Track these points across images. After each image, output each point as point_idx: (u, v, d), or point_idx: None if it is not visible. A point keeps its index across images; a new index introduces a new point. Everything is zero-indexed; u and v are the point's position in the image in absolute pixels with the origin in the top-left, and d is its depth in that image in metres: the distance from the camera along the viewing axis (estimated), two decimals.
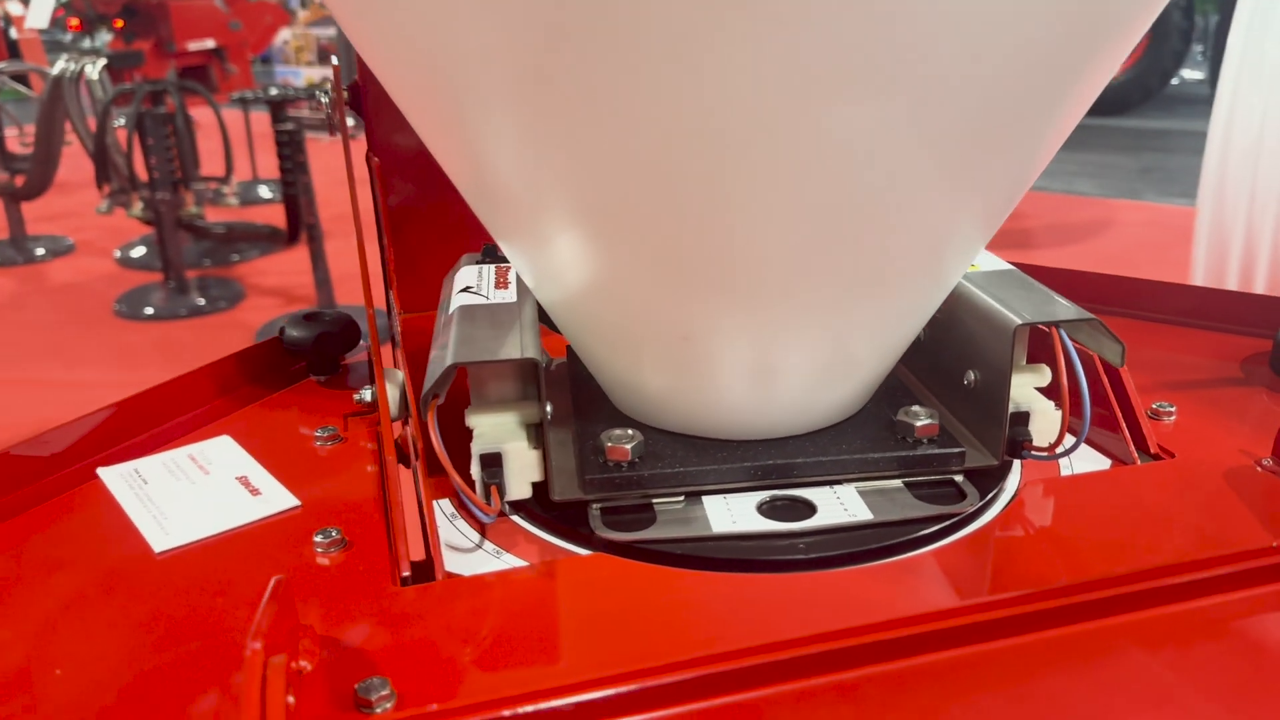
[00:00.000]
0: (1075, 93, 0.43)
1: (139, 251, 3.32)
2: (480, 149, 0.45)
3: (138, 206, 2.88)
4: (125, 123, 2.80)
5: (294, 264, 3.02)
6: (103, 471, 0.57)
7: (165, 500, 0.54)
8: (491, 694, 0.38)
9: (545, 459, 0.49)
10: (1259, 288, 1.81)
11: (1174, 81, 6.11)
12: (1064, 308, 0.51)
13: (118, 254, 3.36)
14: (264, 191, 3.94)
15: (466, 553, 0.50)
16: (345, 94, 0.74)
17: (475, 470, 0.49)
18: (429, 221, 0.82)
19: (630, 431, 0.51)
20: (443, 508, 0.54)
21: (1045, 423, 0.52)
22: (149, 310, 2.82)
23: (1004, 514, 0.50)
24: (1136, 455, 0.55)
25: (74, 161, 3.51)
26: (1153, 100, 5.69)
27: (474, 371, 0.51)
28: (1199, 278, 1.87)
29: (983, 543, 0.48)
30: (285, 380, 0.70)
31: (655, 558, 0.47)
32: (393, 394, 0.59)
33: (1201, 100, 5.22)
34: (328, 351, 0.68)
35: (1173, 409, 0.60)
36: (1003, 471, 0.53)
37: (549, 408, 0.51)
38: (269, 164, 3.40)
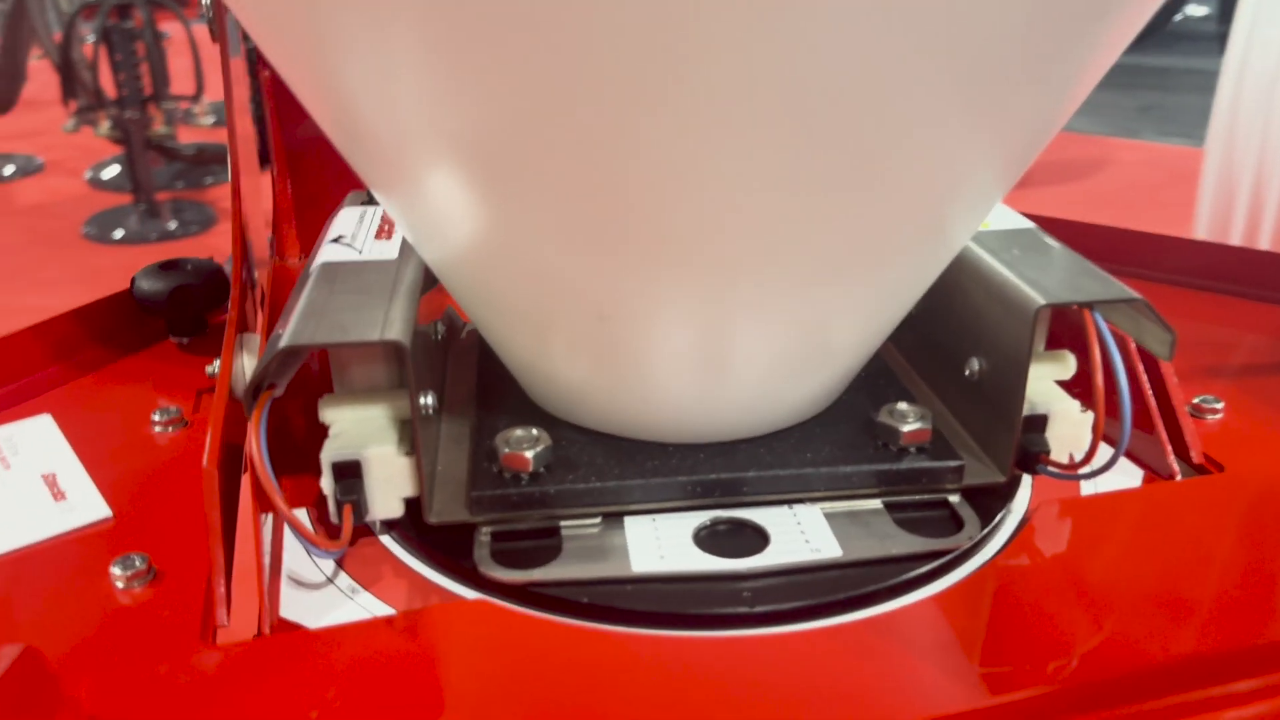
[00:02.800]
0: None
1: (111, 172, 3.14)
2: (331, 48, 0.33)
3: (105, 125, 2.72)
4: (93, 37, 2.65)
5: (270, 187, 2.86)
6: None
7: None
8: None
9: (419, 468, 0.37)
10: (1264, 237, 1.70)
11: (1176, 17, 5.91)
12: (1099, 282, 0.39)
13: (88, 174, 3.19)
14: None
15: (313, 589, 0.38)
16: None
17: (326, 483, 0.38)
18: (332, 152, 0.69)
19: (535, 432, 0.39)
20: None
21: (1067, 428, 0.41)
22: (118, 234, 2.68)
23: (1011, 549, 0.39)
24: (1176, 466, 0.44)
25: (42, 77, 3.32)
26: (1153, 36, 5.50)
27: (334, 351, 0.39)
28: (1203, 223, 1.77)
29: (983, 593, 0.37)
30: (140, 342, 0.57)
31: (560, 604, 0.36)
32: (249, 367, 0.47)
33: (1204, 37, 5.04)
34: (188, 308, 0.56)
35: (1219, 405, 0.49)
36: (1010, 489, 0.42)
37: (430, 399, 0.39)
38: None
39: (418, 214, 0.38)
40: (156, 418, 0.48)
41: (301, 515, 0.42)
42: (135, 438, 0.48)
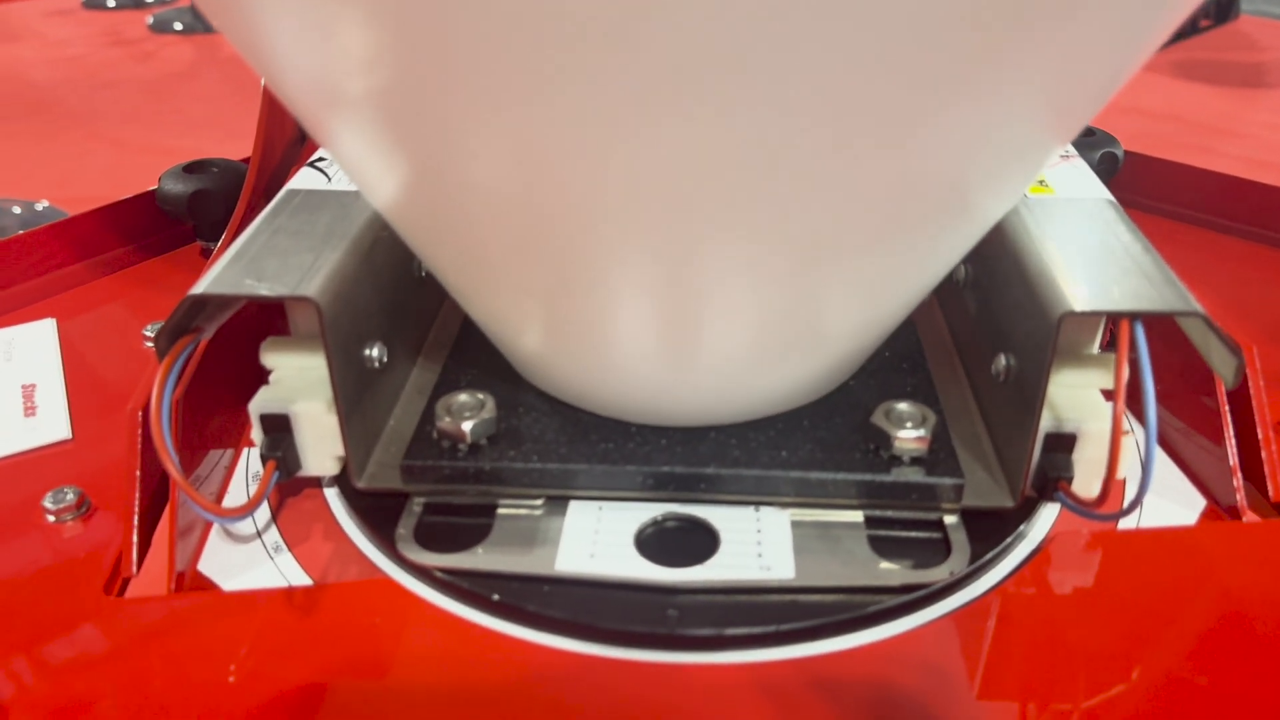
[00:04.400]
0: None
1: None
2: None
3: None
4: None
5: None
6: None
7: None
8: None
9: (342, 428, 0.35)
10: None
11: None
12: (1154, 287, 0.32)
13: None
14: None
15: (240, 543, 0.36)
16: None
17: (256, 434, 0.35)
18: None
19: (481, 397, 0.36)
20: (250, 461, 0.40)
21: (1099, 451, 0.34)
22: None
23: (1007, 586, 0.33)
24: (1245, 504, 0.37)
25: None
26: None
27: None
28: None
29: (955, 638, 0.32)
30: (168, 244, 0.56)
31: (471, 596, 0.33)
32: None
33: None
34: (210, 213, 0.54)
35: None
36: (1026, 511, 0.36)
37: (377, 351, 0.36)
38: None
39: (335, 154, 0.34)
40: (148, 332, 0.47)
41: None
42: (124, 353, 0.47)
